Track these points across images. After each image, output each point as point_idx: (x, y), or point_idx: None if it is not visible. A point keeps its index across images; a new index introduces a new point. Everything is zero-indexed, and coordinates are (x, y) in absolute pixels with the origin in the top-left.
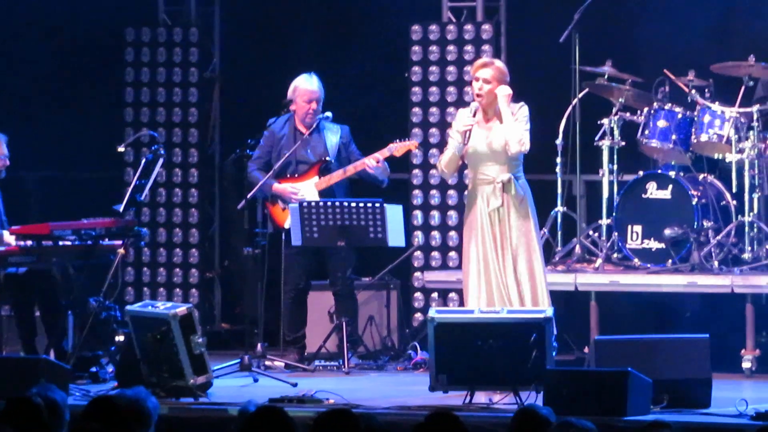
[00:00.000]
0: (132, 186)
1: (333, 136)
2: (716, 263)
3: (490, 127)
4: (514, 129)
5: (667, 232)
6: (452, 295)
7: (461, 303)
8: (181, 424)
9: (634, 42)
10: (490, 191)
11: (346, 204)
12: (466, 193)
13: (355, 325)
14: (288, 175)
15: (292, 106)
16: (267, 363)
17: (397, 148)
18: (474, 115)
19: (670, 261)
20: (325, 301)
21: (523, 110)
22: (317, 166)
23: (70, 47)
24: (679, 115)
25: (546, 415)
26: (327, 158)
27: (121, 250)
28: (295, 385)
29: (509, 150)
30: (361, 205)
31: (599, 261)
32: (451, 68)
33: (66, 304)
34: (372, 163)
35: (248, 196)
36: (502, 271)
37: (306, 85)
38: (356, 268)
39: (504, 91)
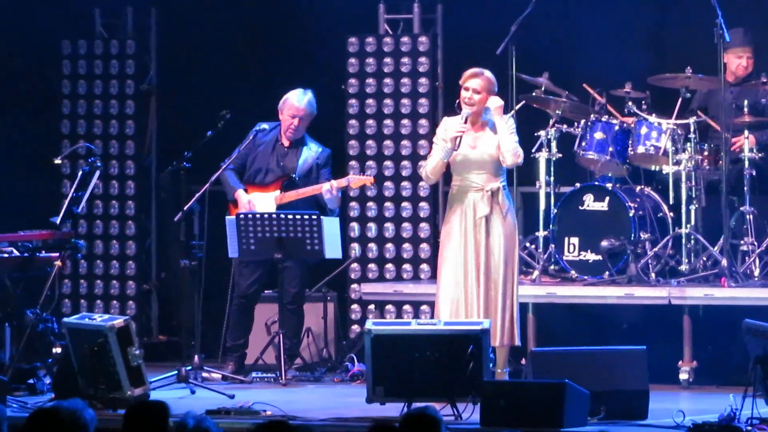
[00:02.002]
0: (69, 198)
1: (309, 155)
2: (653, 275)
3: (478, 136)
4: (510, 141)
5: (604, 244)
6: (389, 306)
7: (398, 315)
8: None
9: (570, 54)
10: (478, 198)
11: (282, 216)
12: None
13: (297, 341)
14: (255, 182)
15: (279, 114)
16: (204, 375)
17: (354, 180)
18: (465, 122)
19: (607, 273)
20: (265, 314)
21: (511, 122)
22: (281, 181)
23: (5, 59)
24: (616, 127)
25: (439, 418)
26: (292, 175)
27: (58, 263)
28: (232, 396)
29: (504, 161)
30: (298, 217)
31: (536, 273)
32: (388, 80)
33: (3, 316)
34: (326, 187)
35: (185, 207)
36: (481, 279)
37: (293, 101)
38: (307, 283)
39: (496, 103)
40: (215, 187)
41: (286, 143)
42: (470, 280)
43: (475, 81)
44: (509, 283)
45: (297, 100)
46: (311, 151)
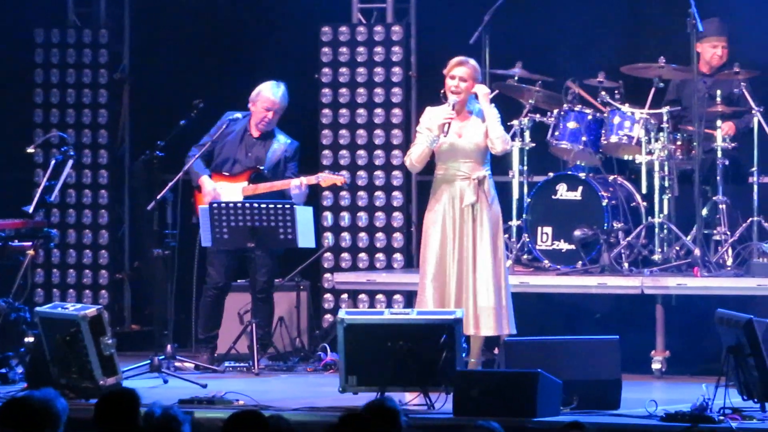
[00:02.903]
0: (41, 187)
1: (278, 147)
2: (626, 264)
3: (464, 124)
4: (499, 128)
5: (577, 233)
6: (362, 296)
7: (371, 304)
8: (90, 426)
9: (544, 43)
10: (465, 187)
11: (255, 205)
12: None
13: (269, 330)
14: (222, 172)
15: (251, 106)
16: (177, 364)
17: (324, 178)
18: (453, 109)
19: (580, 262)
20: (237, 303)
21: (496, 110)
22: (249, 172)
23: None
24: (589, 117)
25: (397, 408)
26: (260, 167)
27: (31, 252)
28: (204, 386)
29: (494, 148)
30: (271, 206)
31: (509, 262)
32: (361, 69)
33: None
34: (296, 183)
35: (158, 196)
36: (468, 268)
37: (269, 93)
38: (276, 272)
39: (483, 90)
40: (188, 176)
41: (256, 134)
42: (456, 269)
43: (461, 69)
44: (499, 271)
45: (272, 93)
46: (280, 144)
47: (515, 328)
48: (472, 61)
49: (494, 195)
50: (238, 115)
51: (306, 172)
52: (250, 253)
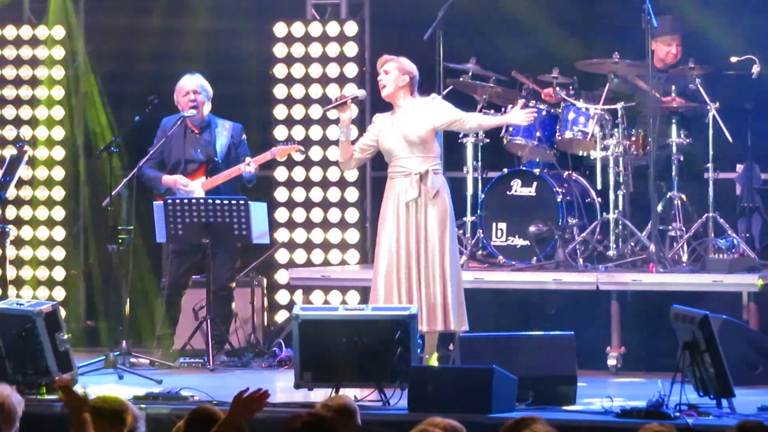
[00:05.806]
0: None
1: (224, 135)
2: (581, 260)
3: (400, 120)
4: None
5: (532, 229)
6: (317, 292)
7: (326, 300)
8: (46, 422)
9: (498, 39)
10: (406, 183)
11: (210, 201)
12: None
13: (226, 327)
14: (179, 174)
15: (178, 105)
16: (132, 360)
17: (279, 151)
18: (353, 101)
19: (534, 258)
20: (192, 299)
21: (439, 101)
22: (205, 167)
23: None
24: (544, 112)
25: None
26: (215, 159)
27: None
28: (160, 382)
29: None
30: (225, 202)
31: (464, 258)
32: (315, 65)
33: None
34: (247, 168)
35: (113, 192)
36: (416, 263)
37: (183, 81)
38: (236, 269)
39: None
40: (148, 184)
41: (196, 130)
42: (404, 266)
43: (382, 62)
44: (449, 266)
45: (187, 78)
46: (224, 130)
47: (467, 325)
48: (401, 58)
49: (439, 189)
50: (171, 117)
51: (263, 168)
52: (208, 249)
